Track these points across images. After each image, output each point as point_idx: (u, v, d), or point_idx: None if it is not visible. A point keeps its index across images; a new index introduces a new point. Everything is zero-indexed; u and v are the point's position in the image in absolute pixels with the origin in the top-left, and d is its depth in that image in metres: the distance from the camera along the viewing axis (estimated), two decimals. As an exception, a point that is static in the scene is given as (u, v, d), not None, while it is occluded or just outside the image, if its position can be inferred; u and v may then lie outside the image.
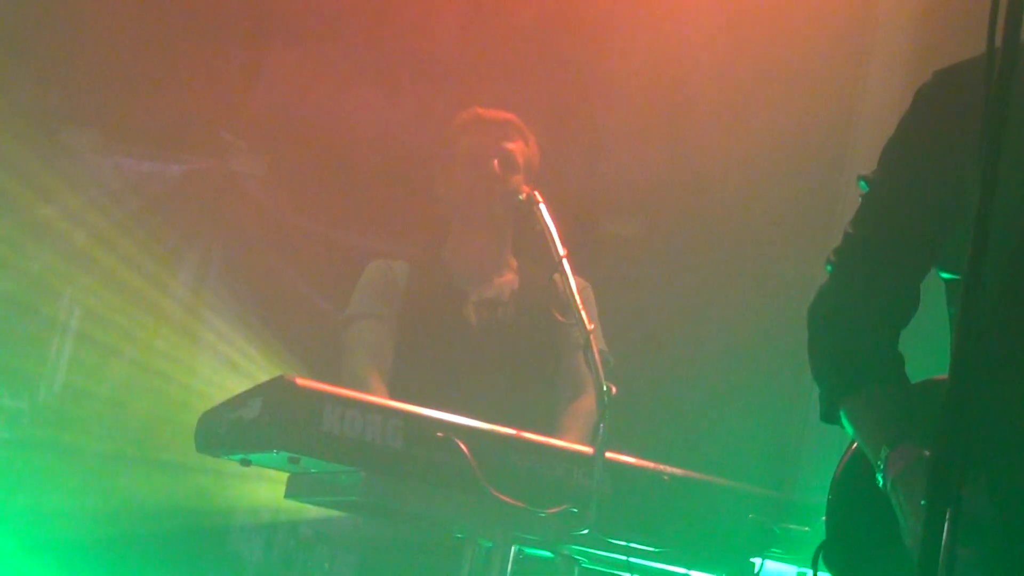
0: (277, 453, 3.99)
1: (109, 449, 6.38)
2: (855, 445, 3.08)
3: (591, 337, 4.20)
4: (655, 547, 4.16)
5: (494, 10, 6.74)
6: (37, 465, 6.27)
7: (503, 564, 4.06)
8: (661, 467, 4.21)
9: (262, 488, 6.30)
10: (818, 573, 3.01)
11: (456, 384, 4.90)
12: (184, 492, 6.28)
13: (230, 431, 4.14)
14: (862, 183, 3.08)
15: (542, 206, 4.61)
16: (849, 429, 3.01)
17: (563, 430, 4.82)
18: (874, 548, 2.93)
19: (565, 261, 4.41)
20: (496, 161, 5.08)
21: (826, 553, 3.02)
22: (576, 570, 4.21)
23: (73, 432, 6.39)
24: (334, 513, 6.08)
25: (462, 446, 3.93)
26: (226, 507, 6.41)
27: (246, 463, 4.17)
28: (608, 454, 4.02)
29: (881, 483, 2.84)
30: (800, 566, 4.25)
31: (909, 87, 6.01)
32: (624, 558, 4.07)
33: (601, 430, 3.98)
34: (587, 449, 4.09)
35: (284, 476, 4.39)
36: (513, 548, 4.07)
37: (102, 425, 6.47)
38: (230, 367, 6.57)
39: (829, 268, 3.09)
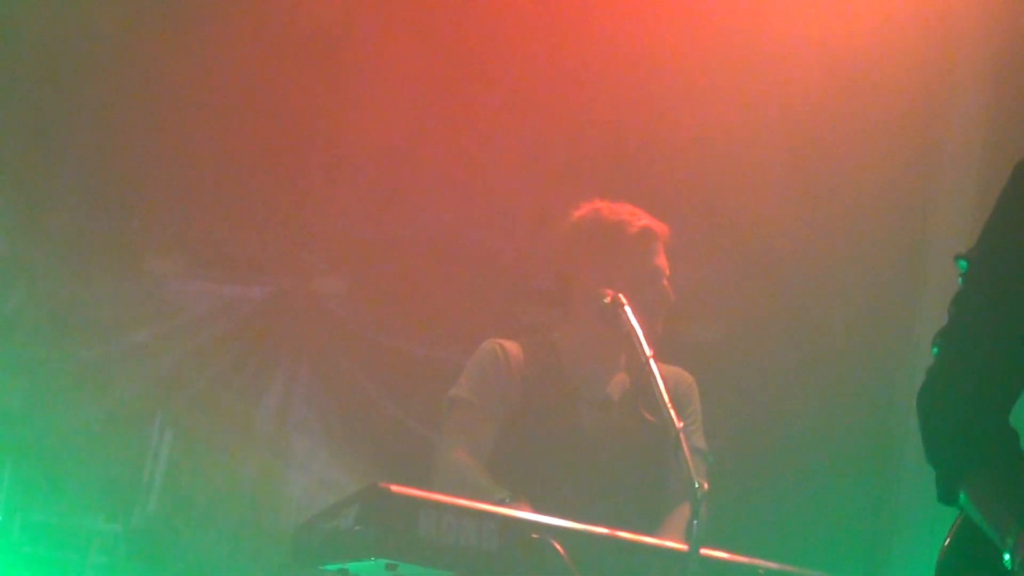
0: (375, 561, 4.02)
1: (205, 569, 6.40)
2: (957, 525, 3.06)
3: (680, 435, 4.22)
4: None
5: (553, 119, 6.86)
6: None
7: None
8: (756, 561, 4.21)
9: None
10: None
11: (565, 486, 4.83)
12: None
13: (327, 541, 4.17)
14: (961, 263, 3.09)
15: (627, 308, 4.66)
16: (971, 510, 2.98)
17: (665, 532, 4.76)
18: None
19: (652, 361, 4.44)
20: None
21: None
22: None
23: (168, 553, 6.42)
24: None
25: (557, 547, 3.96)
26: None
27: (344, 573, 4.19)
28: (703, 550, 4.03)
29: (1010, 564, 2.81)
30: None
31: (985, 173, 6.13)
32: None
33: (695, 527, 3.98)
34: (682, 546, 4.10)
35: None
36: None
37: (196, 545, 6.49)
38: (320, 483, 6.62)
39: (935, 350, 3.09)
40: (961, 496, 2.99)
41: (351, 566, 4.15)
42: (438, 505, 4.01)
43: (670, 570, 4.10)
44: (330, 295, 6.94)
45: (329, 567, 4.24)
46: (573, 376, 5.10)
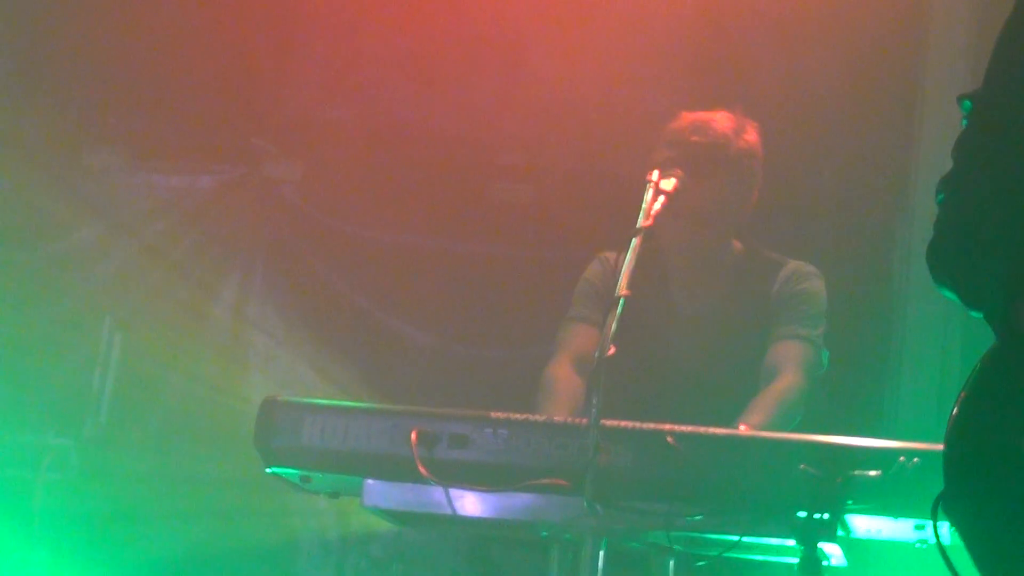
0: (286, 470, 4.01)
1: (163, 480, 6.24)
2: (968, 388, 2.82)
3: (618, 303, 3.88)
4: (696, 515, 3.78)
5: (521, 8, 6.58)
6: (89, 504, 6.15)
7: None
8: (664, 427, 3.85)
9: (327, 508, 6.12)
10: (938, 524, 2.80)
11: (659, 409, 4.50)
12: (245, 514, 6.18)
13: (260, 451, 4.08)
14: (965, 103, 2.91)
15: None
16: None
17: (746, 414, 4.53)
18: (1003, 496, 2.72)
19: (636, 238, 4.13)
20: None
21: (946, 503, 2.80)
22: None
23: (122, 465, 6.26)
24: (404, 530, 5.93)
25: (413, 436, 3.82)
26: (291, 528, 6.27)
27: (306, 480, 4.07)
28: (606, 422, 3.76)
29: None
30: (880, 515, 3.81)
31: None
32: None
33: (595, 400, 3.71)
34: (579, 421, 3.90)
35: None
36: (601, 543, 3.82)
37: (152, 456, 6.34)
38: (282, 384, 6.39)
39: (940, 198, 2.90)
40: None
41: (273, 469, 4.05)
42: (324, 409, 3.95)
43: (571, 445, 3.83)
44: (284, 181, 6.73)
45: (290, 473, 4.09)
46: (669, 286, 4.90)
